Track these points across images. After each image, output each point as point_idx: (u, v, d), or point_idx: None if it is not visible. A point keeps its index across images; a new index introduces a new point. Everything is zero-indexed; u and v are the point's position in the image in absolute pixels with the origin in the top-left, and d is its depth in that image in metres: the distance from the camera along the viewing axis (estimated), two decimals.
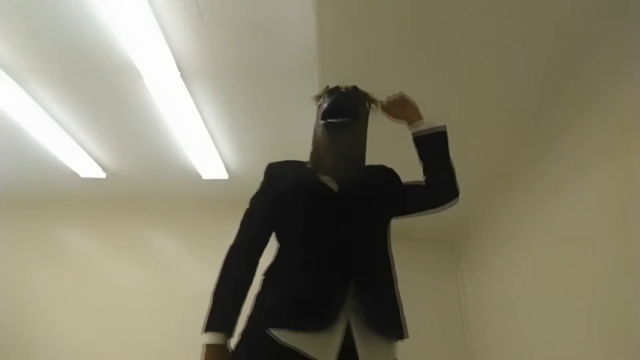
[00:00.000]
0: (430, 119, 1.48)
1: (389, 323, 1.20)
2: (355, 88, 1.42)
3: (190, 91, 2.72)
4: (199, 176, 3.64)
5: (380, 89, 2.41)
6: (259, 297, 1.22)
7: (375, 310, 1.16)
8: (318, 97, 1.48)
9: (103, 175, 3.75)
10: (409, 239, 4.31)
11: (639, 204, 1.76)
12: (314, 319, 1.10)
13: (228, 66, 2.57)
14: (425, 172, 1.46)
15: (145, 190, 3.99)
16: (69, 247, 4.21)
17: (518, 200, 2.89)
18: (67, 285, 3.96)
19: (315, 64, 2.24)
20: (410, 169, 1.49)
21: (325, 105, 1.37)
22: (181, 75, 2.57)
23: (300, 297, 1.14)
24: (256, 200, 1.39)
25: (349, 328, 1.11)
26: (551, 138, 2.44)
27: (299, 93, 2.71)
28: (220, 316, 1.20)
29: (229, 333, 1.18)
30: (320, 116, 1.38)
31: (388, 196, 1.40)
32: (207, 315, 1.20)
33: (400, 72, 2.24)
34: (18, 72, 2.66)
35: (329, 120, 1.35)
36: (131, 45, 2.35)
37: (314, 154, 1.42)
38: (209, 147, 3.25)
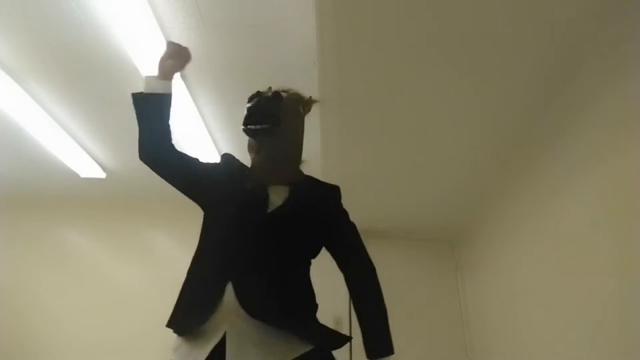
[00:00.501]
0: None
1: (275, 313, 1.13)
2: (275, 92, 1.42)
3: (190, 91, 2.72)
4: None
5: (380, 89, 2.42)
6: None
7: (258, 300, 1.12)
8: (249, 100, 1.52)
9: (103, 175, 3.75)
10: (409, 239, 4.32)
11: (638, 204, 1.76)
12: (191, 317, 1.16)
13: (228, 66, 2.57)
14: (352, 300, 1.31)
15: (145, 190, 3.98)
16: (69, 247, 4.21)
17: (518, 201, 2.89)
18: (67, 285, 3.96)
19: (315, 64, 2.24)
20: None
21: (245, 112, 1.39)
22: (181, 75, 2.57)
23: (185, 298, 1.23)
24: (205, 164, 1.47)
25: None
26: (551, 138, 2.44)
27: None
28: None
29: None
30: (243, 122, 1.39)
31: (309, 224, 1.30)
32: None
33: (400, 72, 2.24)
34: (18, 72, 2.66)
35: (248, 126, 1.39)
36: (131, 45, 2.35)
37: (252, 159, 1.46)
38: (209, 147, 3.25)
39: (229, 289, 1.12)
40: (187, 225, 4.42)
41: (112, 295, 3.89)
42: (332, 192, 1.38)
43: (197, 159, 1.44)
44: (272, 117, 1.36)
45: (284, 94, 1.42)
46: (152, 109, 1.36)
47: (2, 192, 4.13)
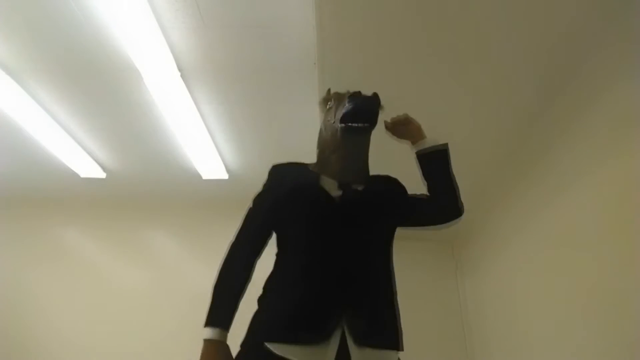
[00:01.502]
0: (433, 138, 1.50)
1: (385, 336, 1.19)
2: (376, 94, 1.40)
3: (190, 91, 2.72)
4: (199, 176, 3.64)
5: (380, 89, 2.40)
6: (258, 308, 1.23)
7: (371, 324, 1.16)
8: (327, 100, 1.48)
9: (103, 175, 3.75)
10: (409, 239, 4.31)
11: (638, 205, 1.76)
12: (310, 332, 1.11)
13: (228, 66, 2.57)
14: (429, 190, 1.47)
15: (145, 190, 3.99)
16: (69, 247, 4.21)
17: (518, 201, 2.89)
18: (66, 285, 3.96)
19: (315, 64, 2.24)
20: (410, 180, 1.50)
21: (348, 109, 1.35)
22: (181, 75, 2.57)
23: (296, 310, 1.15)
24: (259, 200, 1.39)
25: (344, 339, 1.11)
26: (551, 139, 2.44)
27: (299, 93, 2.71)
28: (218, 312, 1.23)
29: (226, 328, 1.22)
30: (340, 119, 1.36)
31: (392, 207, 1.39)
32: (208, 310, 1.24)
33: (400, 71, 2.24)
34: (18, 72, 2.66)
35: (350, 124, 1.35)
36: (131, 45, 2.35)
37: (320, 155, 1.43)
38: (209, 147, 3.25)
39: (348, 300, 1.16)
40: (187, 226, 4.44)
41: (111, 295, 3.88)
42: (396, 184, 1.50)
43: (263, 213, 1.38)
44: (374, 118, 1.36)
45: (365, 96, 1.43)
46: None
47: (2, 192, 4.13)
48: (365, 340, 1.13)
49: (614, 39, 1.90)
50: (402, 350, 1.22)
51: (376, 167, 1.49)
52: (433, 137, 1.51)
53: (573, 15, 1.88)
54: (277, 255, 1.33)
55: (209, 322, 1.21)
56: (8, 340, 3.67)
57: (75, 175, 3.74)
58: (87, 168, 3.64)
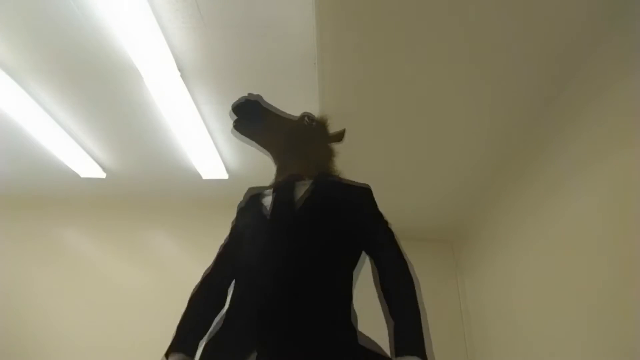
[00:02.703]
0: None
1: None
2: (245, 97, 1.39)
3: (190, 91, 2.72)
4: (199, 176, 3.64)
5: (380, 88, 2.41)
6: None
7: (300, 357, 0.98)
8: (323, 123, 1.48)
9: (103, 175, 3.75)
10: (409, 239, 4.30)
11: (638, 203, 1.76)
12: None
13: (228, 66, 2.57)
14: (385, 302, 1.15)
15: (145, 190, 3.99)
16: (69, 247, 4.21)
17: (518, 200, 2.89)
18: (66, 285, 3.96)
19: (315, 64, 2.24)
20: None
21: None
22: (181, 75, 2.57)
23: (216, 348, 1.07)
24: (234, 220, 1.35)
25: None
26: (550, 138, 2.44)
27: (299, 93, 2.71)
28: (180, 338, 1.18)
29: (188, 353, 1.13)
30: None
31: (337, 216, 1.20)
32: (174, 336, 1.20)
33: (400, 71, 2.24)
34: (18, 72, 2.66)
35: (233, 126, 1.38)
36: (131, 46, 2.35)
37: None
38: (209, 147, 3.25)
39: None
40: (187, 226, 4.44)
41: (111, 295, 3.88)
42: (359, 191, 1.32)
43: (226, 244, 1.33)
44: (240, 111, 1.39)
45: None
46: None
47: (2, 192, 4.13)
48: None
49: (612, 39, 1.90)
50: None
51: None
52: None
53: (574, 14, 1.88)
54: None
55: (169, 350, 1.13)
56: (8, 339, 3.67)
57: (75, 175, 3.74)
58: (87, 168, 3.64)
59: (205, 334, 1.14)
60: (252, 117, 1.36)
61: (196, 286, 1.27)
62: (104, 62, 2.56)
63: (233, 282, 1.20)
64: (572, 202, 2.24)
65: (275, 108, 1.44)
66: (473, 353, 3.72)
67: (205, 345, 1.10)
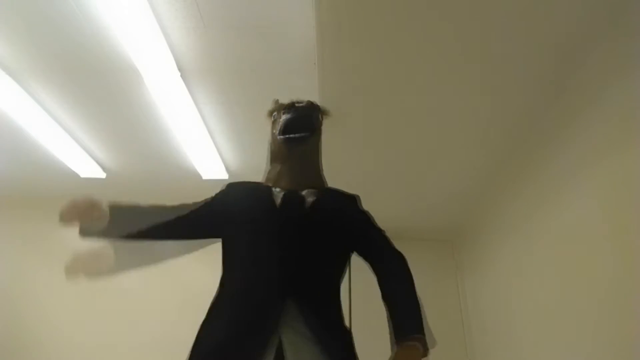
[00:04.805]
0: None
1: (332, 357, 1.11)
2: (309, 102, 1.43)
3: (190, 91, 2.72)
4: (199, 176, 3.64)
5: (380, 89, 2.41)
6: (199, 333, 1.18)
7: (312, 346, 1.09)
8: (271, 112, 1.49)
9: (103, 175, 3.75)
10: (409, 238, 4.31)
11: (638, 203, 1.76)
12: (253, 353, 1.07)
13: (228, 66, 2.57)
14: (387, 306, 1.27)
15: (145, 190, 3.98)
16: (69, 247, 4.20)
17: (518, 200, 2.89)
18: (66, 285, 3.95)
19: (315, 64, 2.24)
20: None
21: (284, 122, 1.38)
22: (181, 75, 2.57)
23: (238, 332, 1.10)
24: (205, 202, 1.41)
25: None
26: (550, 138, 2.44)
27: (299, 93, 2.70)
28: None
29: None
30: (279, 132, 1.38)
31: (345, 228, 1.32)
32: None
33: (400, 71, 2.24)
34: (18, 72, 2.66)
35: (289, 135, 1.36)
36: (131, 46, 2.35)
37: (272, 169, 1.43)
38: (209, 147, 3.25)
39: (290, 306, 1.12)
40: None
41: (111, 295, 3.88)
42: (353, 201, 1.41)
43: (198, 209, 1.41)
44: (310, 125, 1.39)
45: (299, 104, 1.42)
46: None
47: (2, 192, 4.13)
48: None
49: (615, 37, 1.90)
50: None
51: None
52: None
53: (574, 14, 1.88)
54: (222, 276, 1.28)
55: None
56: (9, 339, 3.67)
57: (75, 175, 3.74)
58: (87, 168, 3.64)
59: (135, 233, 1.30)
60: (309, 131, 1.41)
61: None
62: (104, 62, 2.56)
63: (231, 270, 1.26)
64: (572, 202, 2.24)
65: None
66: (473, 353, 3.72)
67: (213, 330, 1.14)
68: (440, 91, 2.36)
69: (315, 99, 2.34)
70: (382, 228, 1.36)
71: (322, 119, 1.50)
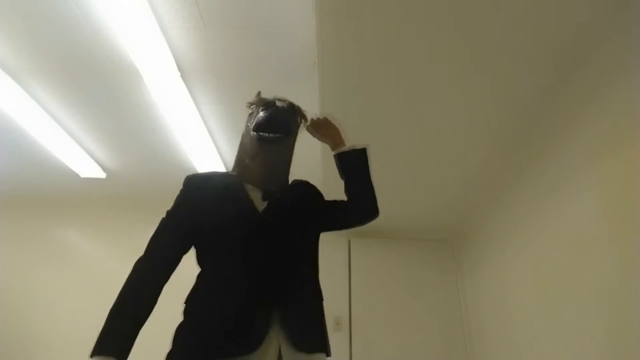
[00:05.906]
0: (353, 144, 1.53)
1: (316, 341, 1.19)
2: (290, 104, 1.44)
3: (190, 91, 2.72)
4: None
5: (380, 89, 2.41)
6: (178, 331, 1.19)
7: (302, 330, 1.16)
8: (250, 104, 1.52)
9: (103, 175, 3.75)
10: (409, 238, 4.32)
11: (637, 203, 1.76)
12: (245, 343, 1.08)
13: (228, 66, 2.57)
14: (346, 190, 1.49)
15: (145, 190, 3.98)
16: (69, 247, 4.21)
17: (517, 200, 2.89)
18: (67, 285, 3.96)
19: (315, 64, 2.24)
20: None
21: (260, 119, 1.38)
22: (181, 75, 2.57)
23: (228, 323, 1.11)
24: (175, 211, 1.36)
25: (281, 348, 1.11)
26: (550, 138, 2.44)
27: (299, 93, 2.71)
28: (108, 339, 1.10)
29: (118, 357, 1.08)
30: (253, 128, 1.39)
31: (313, 211, 1.41)
32: (98, 336, 1.10)
33: (400, 71, 2.24)
34: (18, 72, 2.66)
35: (262, 134, 1.37)
36: (131, 46, 2.35)
37: (240, 161, 1.43)
38: (209, 147, 3.25)
39: (275, 317, 1.14)
40: None
41: (111, 295, 3.88)
42: (313, 190, 1.52)
43: (176, 228, 1.36)
44: (287, 127, 1.40)
45: (280, 104, 1.43)
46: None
47: (2, 192, 4.13)
48: (299, 345, 1.13)
49: (611, 39, 1.90)
50: (330, 355, 1.22)
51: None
52: (353, 143, 1.53)
53: (574, 13, 1.88)
54: (199, 272, 1.30)
55: (99, 350, 1.04)
56: (9, 339, 3.67)
57: (75, 175, 3.74)
58: (87, 168, 3.64)
59: (136, 334, 1.19)
60: (287, 131, 1.44)
61: (135, 277, 1.28)
62: (104, 62, 2.56)
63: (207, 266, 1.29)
64: (572, 202, 2.24)
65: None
66: (472, 353, 3.72)
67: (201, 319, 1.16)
68: (440, 92, 2.36)
69: (315, 99, 2.35)
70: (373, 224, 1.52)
71: (301, 123, 1.52)
